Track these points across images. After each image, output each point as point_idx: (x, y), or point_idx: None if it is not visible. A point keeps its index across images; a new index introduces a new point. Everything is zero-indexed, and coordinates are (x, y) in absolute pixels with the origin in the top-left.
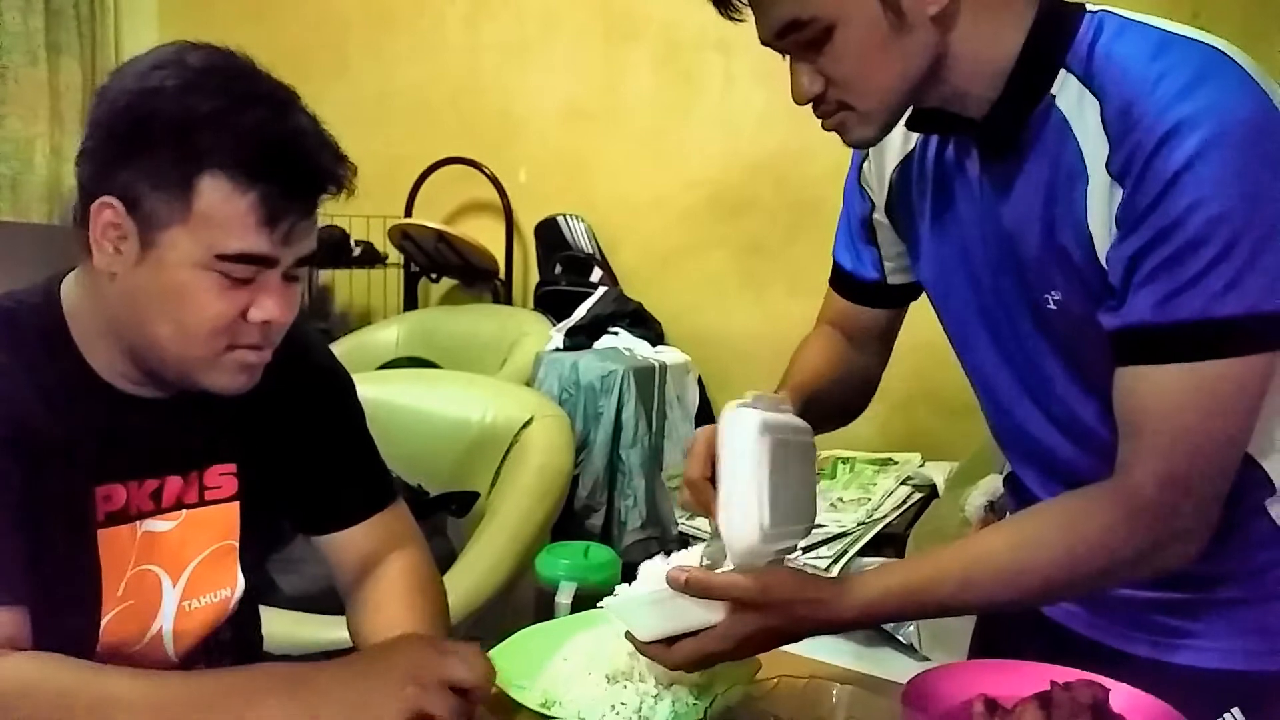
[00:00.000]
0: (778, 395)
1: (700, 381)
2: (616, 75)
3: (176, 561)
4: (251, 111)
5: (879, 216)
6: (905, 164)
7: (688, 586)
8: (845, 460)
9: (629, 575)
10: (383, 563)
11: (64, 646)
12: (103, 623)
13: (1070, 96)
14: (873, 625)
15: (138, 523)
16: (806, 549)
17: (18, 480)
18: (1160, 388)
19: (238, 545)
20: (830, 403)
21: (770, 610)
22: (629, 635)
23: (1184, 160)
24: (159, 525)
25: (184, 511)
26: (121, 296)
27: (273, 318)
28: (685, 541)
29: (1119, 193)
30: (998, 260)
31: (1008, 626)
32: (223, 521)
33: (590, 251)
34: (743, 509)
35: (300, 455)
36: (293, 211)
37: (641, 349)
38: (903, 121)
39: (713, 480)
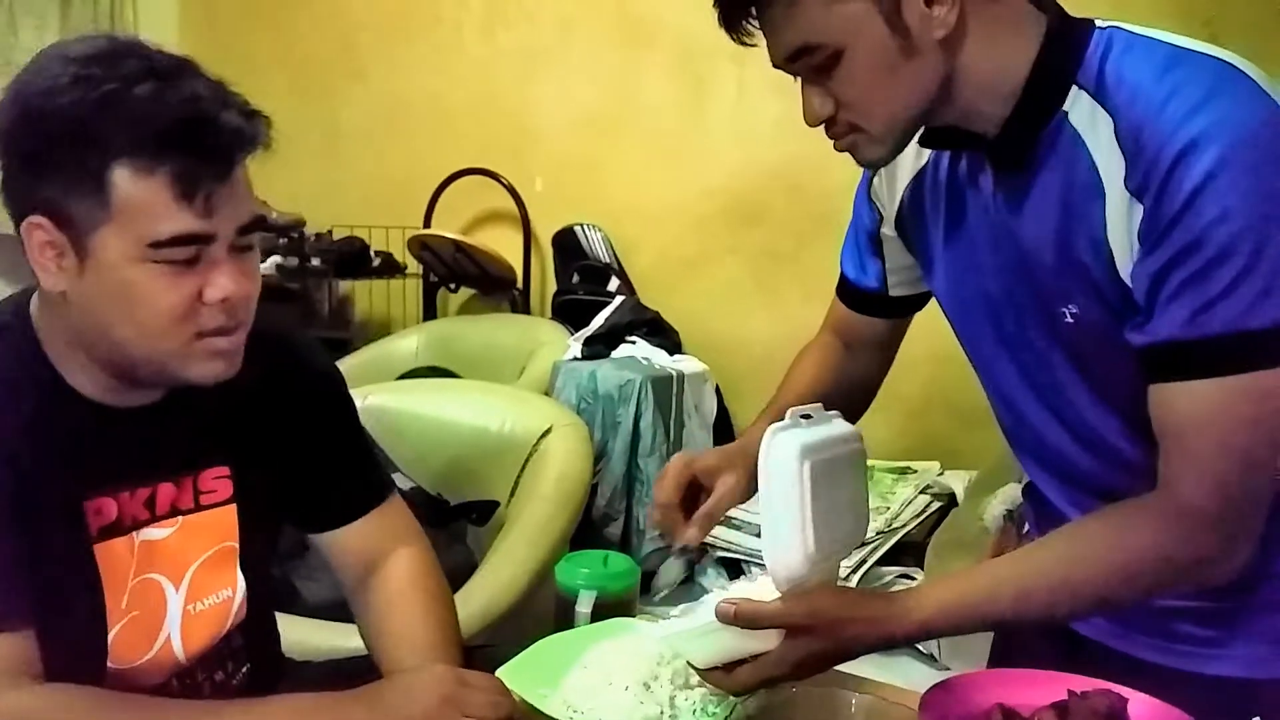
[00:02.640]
0: (817, 405)
1: (718, 390)
2: (632, 84)
3: (177, 566)
4: (140, 87)
5: (887, 230)
6: (918, 180)
7: (737, 619)
8: None
9: (646, 584)
10: (385, 562)
11: (73, 664)
12: (110, 636)
13: (1082, 112)
14: (925, 640)
15: (134, 533)
16: None
17: (7, 502)
18: (1198, 402)
19: (238, 547)
20: None
21: (821, 633)
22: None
23: (1201, 176)
24: (156, 533)
25: (180, 518)
26: (77, 311)
27: (228, 294)
28: (703, 551)
29: (1139, 209)
30: (1012, 274)
31: (1026, 635)
32: (221, 524)
33: (607, 260)
34: (787, 539)
35: (293, 454)
36: (208, 179)
37: (659, 358)
38: (916, 138)
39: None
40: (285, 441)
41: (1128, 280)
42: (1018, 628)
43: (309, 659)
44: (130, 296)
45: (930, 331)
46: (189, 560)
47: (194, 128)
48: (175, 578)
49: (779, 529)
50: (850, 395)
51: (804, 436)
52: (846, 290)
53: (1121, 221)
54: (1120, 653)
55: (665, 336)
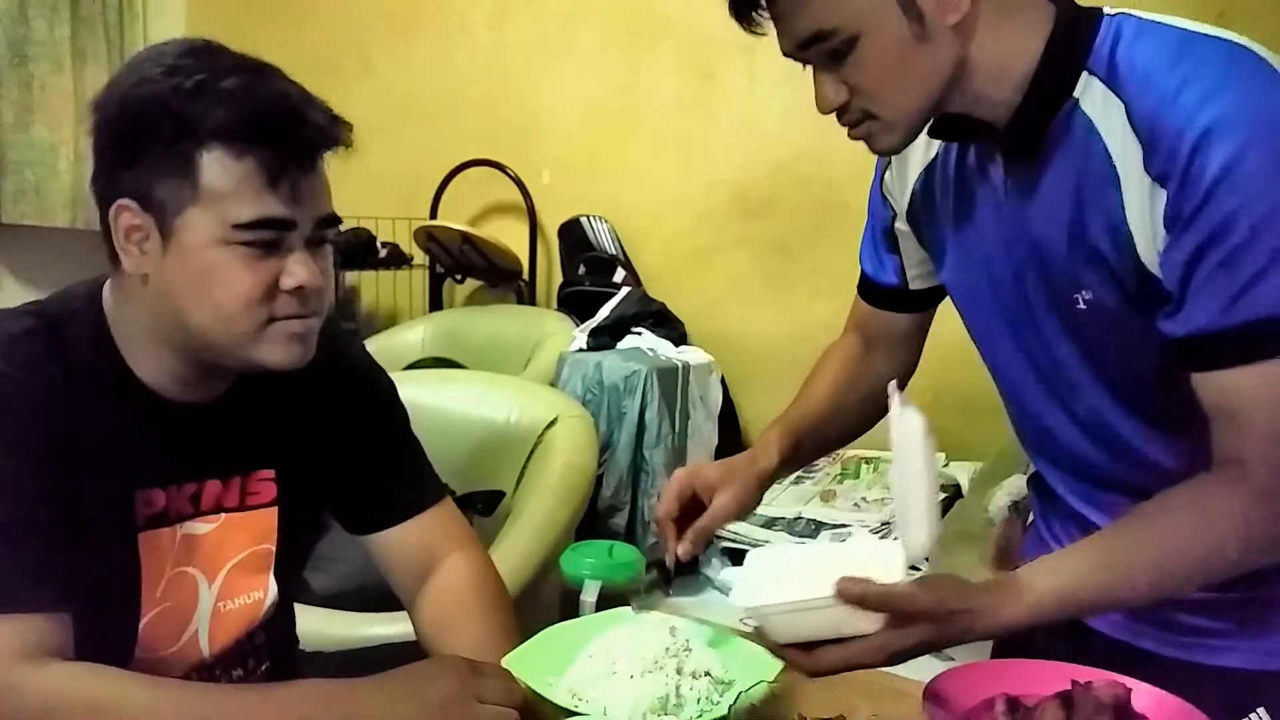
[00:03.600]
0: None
1: (723, 381)
2: (639, 76)
3: (213, 563)
4: (232, 79)
5: (900, 225)
6: (928, 171)
7: (865, 601)
8: (869, 460)
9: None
10: (442, 566)
11: (104, 649)
12: (141, 625)
13: (1094, 99)
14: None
15: (177, 526)
16: None
17: (61, 486)
18: (1243, 388)
19: (274, 549)
20: (839, 425)
21: (937, 622)
22: (758, 631)
23: (1222, 164)
24: (199, 528)
25: (223, 515)
26: (157, 296)
27: (304, 282)
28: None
29: (1162, 195)
30: (1023, 264)
31: (1029, 628)
32: (261, 526)
33: (613, 252)
34: (919, 515)
35: (342, 456)
36: (294, 168)
37: (665, 349)
38: (926, 129)
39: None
40: (333, 443)
41: (1151, 266)
42: (1108, 611)
43: (320, 649)
44: (209, 278)
45: (936, 324)
46: (226, 558)
47: (284, 118)
48: (210, 574)
49: (911, 505)
50: (873, 396)
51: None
52: (867, 287)
53: (1144, 207)
54: (1127, 644)
55: (671, 328)
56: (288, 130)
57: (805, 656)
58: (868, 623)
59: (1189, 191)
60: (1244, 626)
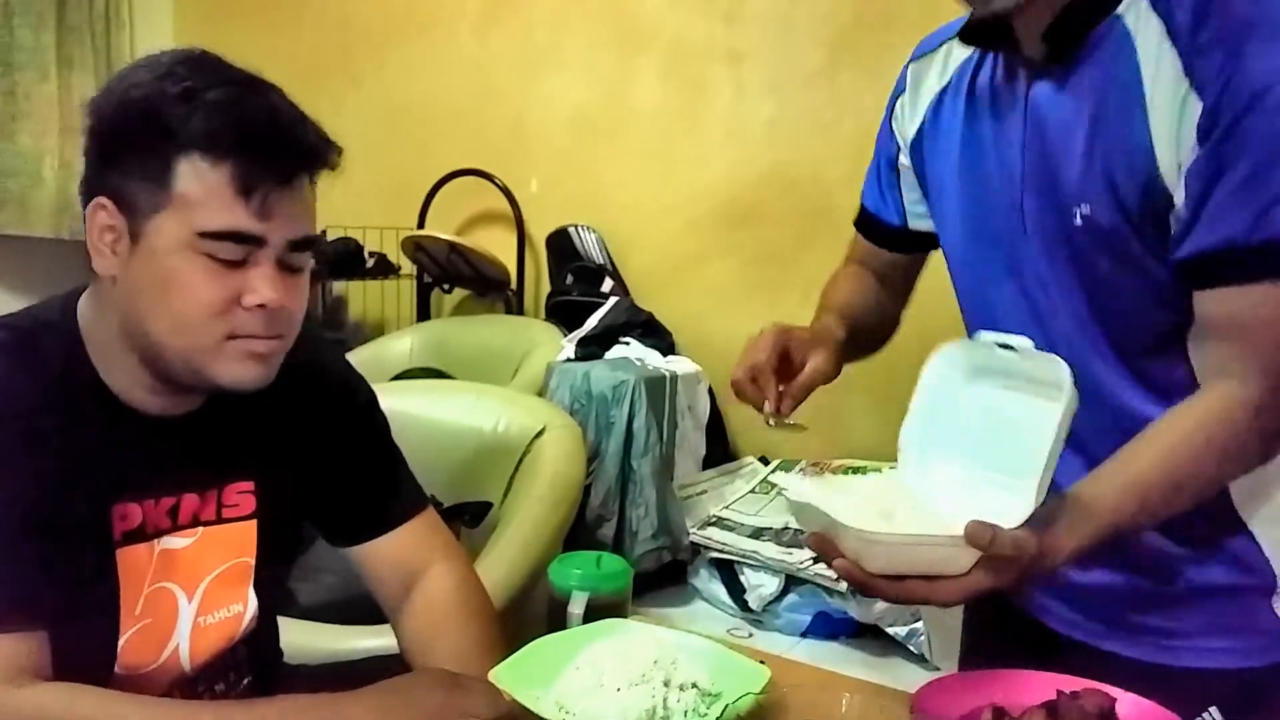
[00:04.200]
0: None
1: (711, 391)
2: (626, 86)
3: (192, 578)
4: (219, 89)
5: (904, 159)
6: (943, 94)
7: (992, 545)
8: (857, 469)
9: (640, 585)
10: (425, 578)
11: (83, 667)
12: (121, 642)
13: (1139, 12)
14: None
15: (155, 541)
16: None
17: (37, 503)
18: (1259, 303)
19: (254, 563)
20: (866, 330)
21: (1027, 565)
22: (842, 564)
23: (1262, 78)
24: (176, 542)
25: (201, 529)
26: (123, 298)
27: (267, 301)
28: (696, 550)
29: (1197, 105)
30: (1028, 177)
31: (994, 631)
32: (240, 539)
33: (601, 262)
34: (1029, 487)
35: (321, 467)
36: (269, 183)
37: (653, 359)
38: (955, 35)
39: (782, 372)
40: (312, 455)
41: (1168, 181)
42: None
43: (304, 663)
44: (171, 284)
45: (922, 333)
46: (205, 572)
47: (265, 132)
48: (189, 589)
49: (1028, 474)
50: (883, 320)
51: None
52: (867, 223)
53: (1173, 120)
54: (1085, 644)
55: (659, 337)
56: (268, 144)
57: (893, 586)
58: (967, 561)
59: (1226, 104)
60: (1197, 625)
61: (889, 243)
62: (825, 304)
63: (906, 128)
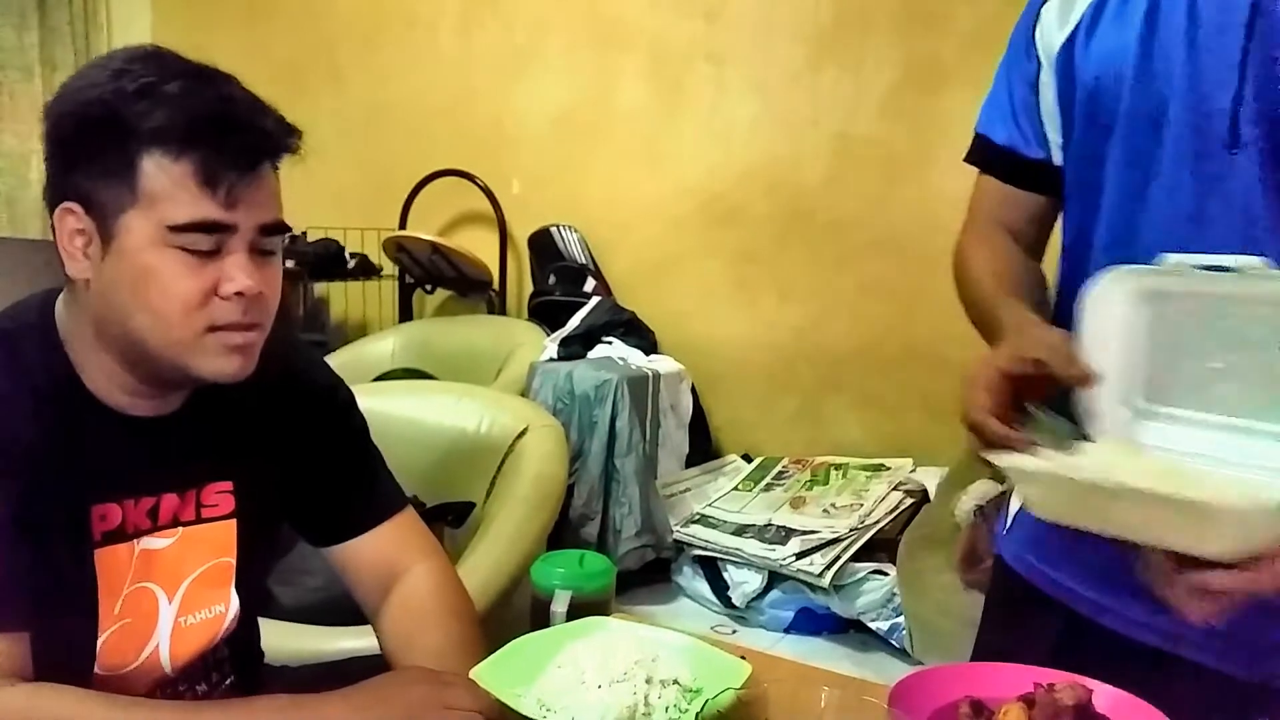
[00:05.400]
0: None
1: (693, 389)
2: (608, 86)
3: (173, 578)
4: (176, 83)
5: (1045, 77)
6: None
7: None
8: (839, 466)
9: (624, 583)
10: (405, 577)
11: (62, 667)
12: (100, 642)
13: None
14: None
15: (135, 541)
16: (800, 555)
17: (16, 503)
18: None
19: (234, 562)
20: (1046, 305)
21: None
22: (1162, 557)
23: None
24: (156, 543)
25: (180, 529)
26: (99, 300)
27: (243, 288)
28: (680, 548)
29: None
30: (1249, 66)
31: (1014, 616)
32: (220, 539)
33: (583, 262)
34: None
35: (300, 467)
36: (232, 171)
37: (635, 358)
38: None
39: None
40: (291, 455)
41: None
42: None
43: (285, 664)
44: (147, 281)
45: (905, 329)
46: (185, 572)
47: (223, 122)
48: (170, 589)
49: None
50: (1041, 283)
51: None
52: (1000, 160)
53: None
54: (1130, 640)
55: (641, 337)
56: (226, 133)
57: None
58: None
59: None
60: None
61: (1033, 182)
62: (997, 287)
63: (1053, 38)
